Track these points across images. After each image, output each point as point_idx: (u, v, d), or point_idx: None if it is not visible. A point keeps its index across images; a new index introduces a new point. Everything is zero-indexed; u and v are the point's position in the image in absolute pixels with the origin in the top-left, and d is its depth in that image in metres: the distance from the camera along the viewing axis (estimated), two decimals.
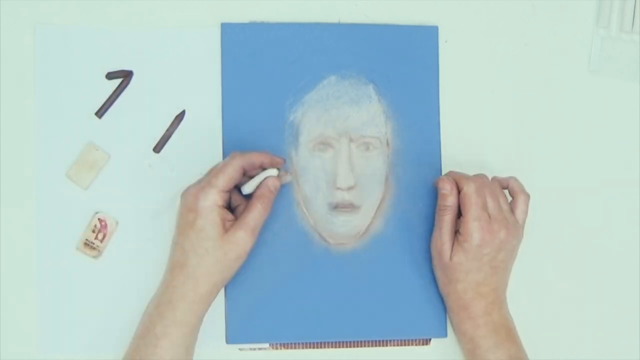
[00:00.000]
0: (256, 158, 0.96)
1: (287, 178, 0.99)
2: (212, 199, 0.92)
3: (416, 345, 1.02)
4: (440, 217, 0.99)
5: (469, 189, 0.96)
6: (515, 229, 0.98)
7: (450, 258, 0.97)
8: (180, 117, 1.00)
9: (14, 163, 1.00)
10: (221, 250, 0.93)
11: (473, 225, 0.96)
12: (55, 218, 1.00)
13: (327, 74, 1.03)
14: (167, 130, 1.01)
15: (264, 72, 1.02)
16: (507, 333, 0.97)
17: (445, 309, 1.01)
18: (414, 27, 1.03)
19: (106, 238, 1.00)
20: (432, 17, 1.04)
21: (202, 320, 0.94)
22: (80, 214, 1.00)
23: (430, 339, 1.02)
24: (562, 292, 1.04)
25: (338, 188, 1.02)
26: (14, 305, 0.99)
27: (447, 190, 0.98)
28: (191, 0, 1.02)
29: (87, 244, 1.00)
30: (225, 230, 0.93)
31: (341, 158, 1.02)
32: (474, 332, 0.97)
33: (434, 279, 1.01)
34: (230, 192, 0.95)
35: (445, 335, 1.02)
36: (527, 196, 0.99)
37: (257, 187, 0.96)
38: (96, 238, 1.00)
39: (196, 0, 1.02)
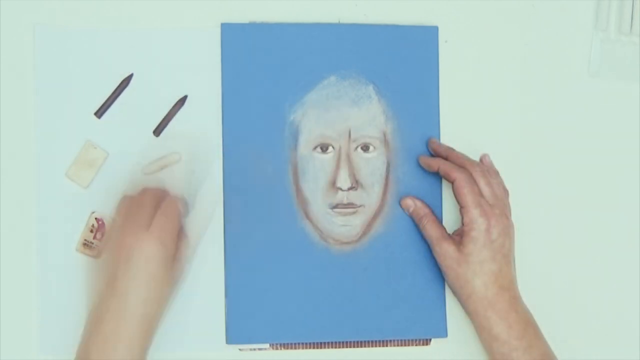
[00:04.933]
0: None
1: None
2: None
3: (416, 345, 1.02)
4: (423, 229, 1.00)
5: (460, 180, 0.97)
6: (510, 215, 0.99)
7: (460, 251, 0.97)
8: (182, 101, 1.00)
9: (14, 163, 1.00)
10: None
11: (475, 213, 0.96)
12: (55, 218, 1.00)
13: (327, 74, 1.03)
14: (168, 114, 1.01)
15: (264, 72, 1.02)
16: (535, 330, 0.96)
17: (445, 308, 1.01)
18: (414, 27, 1.03)
19: (105, 237, 1.00)
20: (432, 17, 1.04)
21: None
22: (80, 214, 1.00)
23: (430, 339, 1.02)
24: (561, 292, 1.04)
25: (338, 188, 1.02)
26: (14, 305, 0.99)
27: (411, 206, 1.01)
28: (191, 0, 1.02)
29: (86, 244, 1.00)
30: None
31: (341, 158, 1.02)
32: (508, 333, 0.95)
33: (434, 279, 1.01)
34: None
35: (445, 335, 1.02)
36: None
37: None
38: (95, 237, 1.00)
39: (196, 0, 1.02)
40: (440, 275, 1.01)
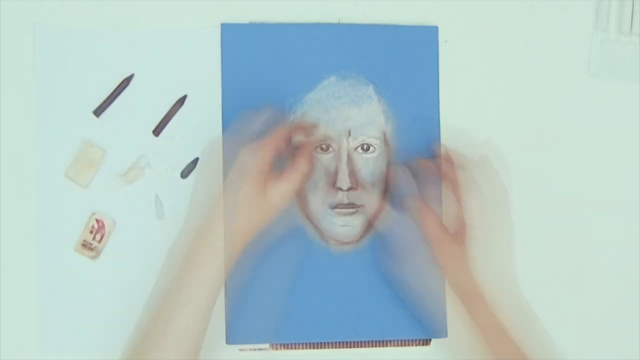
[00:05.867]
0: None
1: None
2: None
3: (416, 345, 1.02)
4: (424, 229, 0.99)
5: (460, 181, 0.98)
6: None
7: (461, 251, 0.97)
8: (181, 101, 1.01)
9: (14, 163, 1.00)
10: None
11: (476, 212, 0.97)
12: (55, 218, 1.00)
13: (327, 74, 1.03)
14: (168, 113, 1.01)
15: (264, 72, 1.02)
16: (540, 324, 0.99)
17: (445, 308, 1.01)
18: (414, 27, 1.04)
19: (104, 238, 1.00)
20: (432, 17, 1.04)
21: None
22: (80, 214, 1.00)
23: (430, 339, 1.02)
24: (561, 291, 1.04)
25: (338, 188, 1.02)
26: (14, 305, 0.99)
27: (411, 206, 1.00)
28: (191, 1, 1.02)
29: (85, 245, 0.99)
30: None
31: (341, 159, 1.02)
32: (515, 331, 0.96)
33: (434, 279, 1.01)
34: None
35: (446, 335, 1.02)
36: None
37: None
38: (94, 239, 1.00)
39: (196, 0, 1.02)
40: (440, 275, 1.01)
